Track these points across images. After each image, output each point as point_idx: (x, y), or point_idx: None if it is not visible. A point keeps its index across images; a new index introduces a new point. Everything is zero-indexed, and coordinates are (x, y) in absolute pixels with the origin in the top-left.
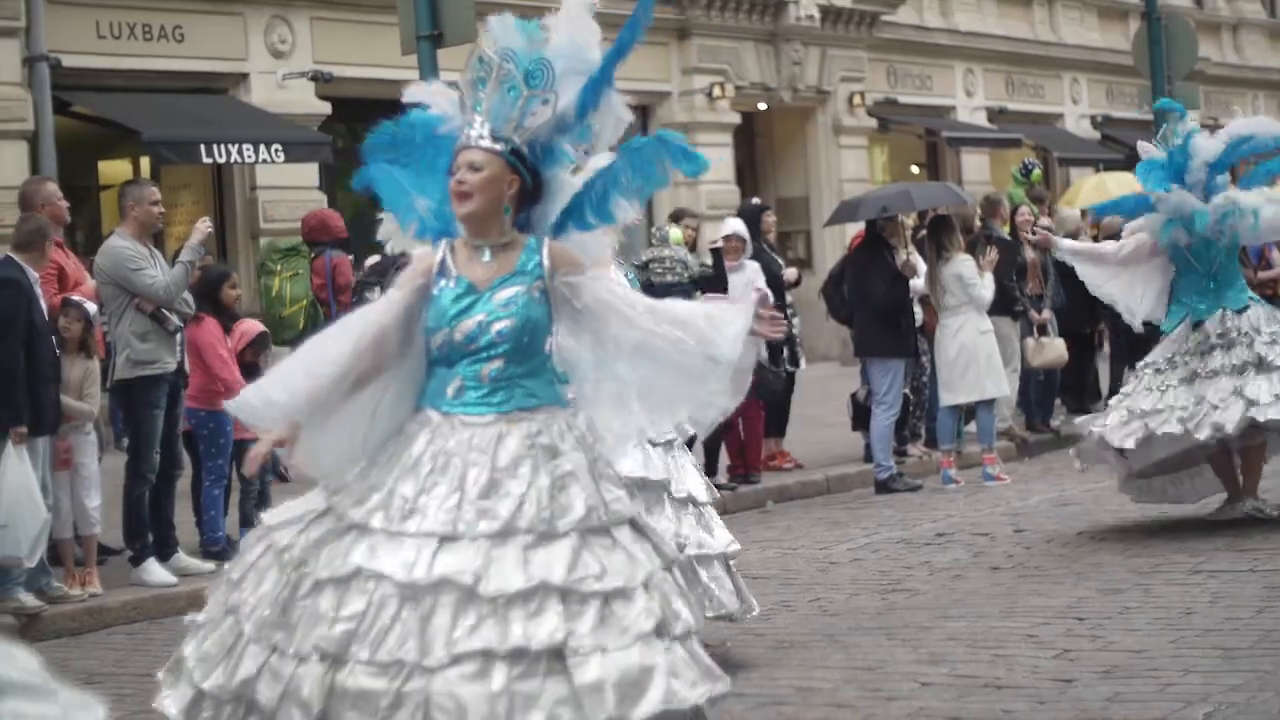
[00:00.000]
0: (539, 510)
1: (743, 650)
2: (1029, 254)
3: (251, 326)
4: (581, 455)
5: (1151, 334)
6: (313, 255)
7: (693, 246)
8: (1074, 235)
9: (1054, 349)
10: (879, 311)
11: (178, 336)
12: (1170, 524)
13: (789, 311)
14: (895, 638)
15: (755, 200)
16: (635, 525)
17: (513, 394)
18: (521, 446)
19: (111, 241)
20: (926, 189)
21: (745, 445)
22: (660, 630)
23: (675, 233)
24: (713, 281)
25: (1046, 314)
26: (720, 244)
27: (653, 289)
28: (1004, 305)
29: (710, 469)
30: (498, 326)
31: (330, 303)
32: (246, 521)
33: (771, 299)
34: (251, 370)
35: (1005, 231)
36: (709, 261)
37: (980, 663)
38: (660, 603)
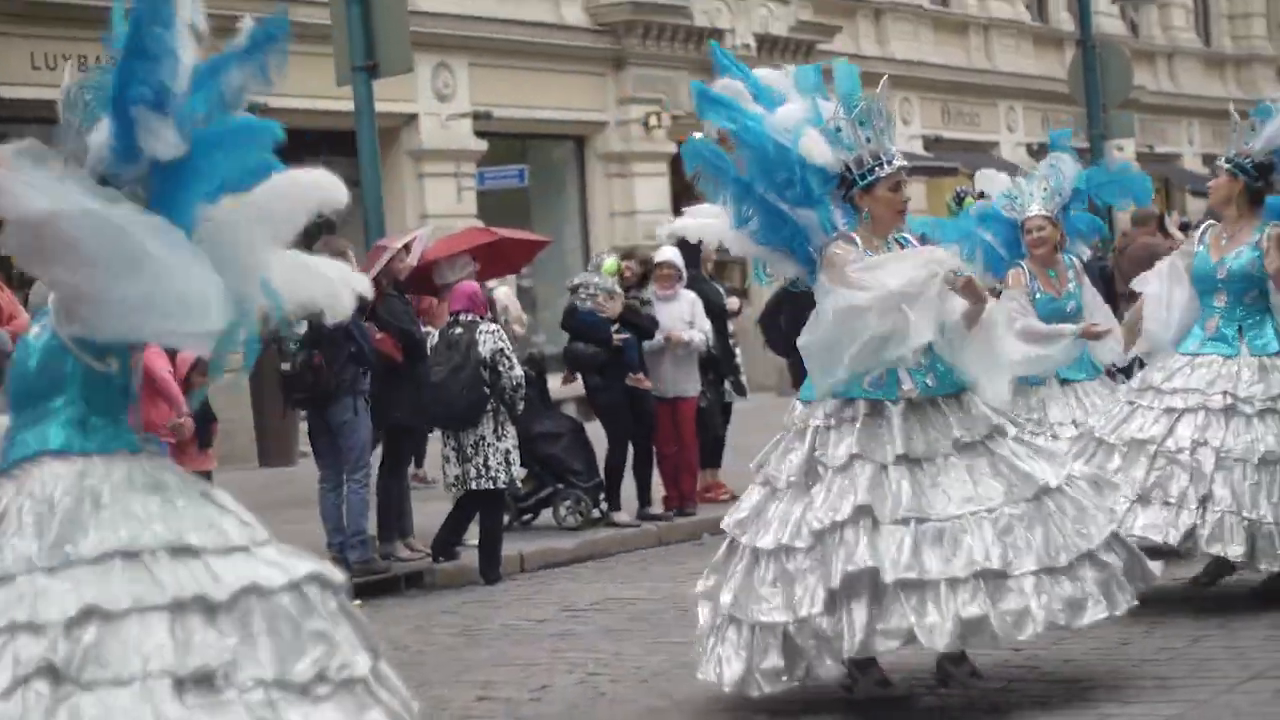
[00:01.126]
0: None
1: (679, 684)
2: None
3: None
4: None
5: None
6: None
7: (634, 285)
8: None
9: None
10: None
11: None
12: None
13: (731, 341)
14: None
15: None
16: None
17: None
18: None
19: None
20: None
21: (680, 477)
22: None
23: (610, 263)
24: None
25: None
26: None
27: (576, 314)
28: None
29: (644, 500)
30: None
31: None
32: None
33: (701, 338)
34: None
35: None
36: (645, 295)
37: (919, 690)
38: None
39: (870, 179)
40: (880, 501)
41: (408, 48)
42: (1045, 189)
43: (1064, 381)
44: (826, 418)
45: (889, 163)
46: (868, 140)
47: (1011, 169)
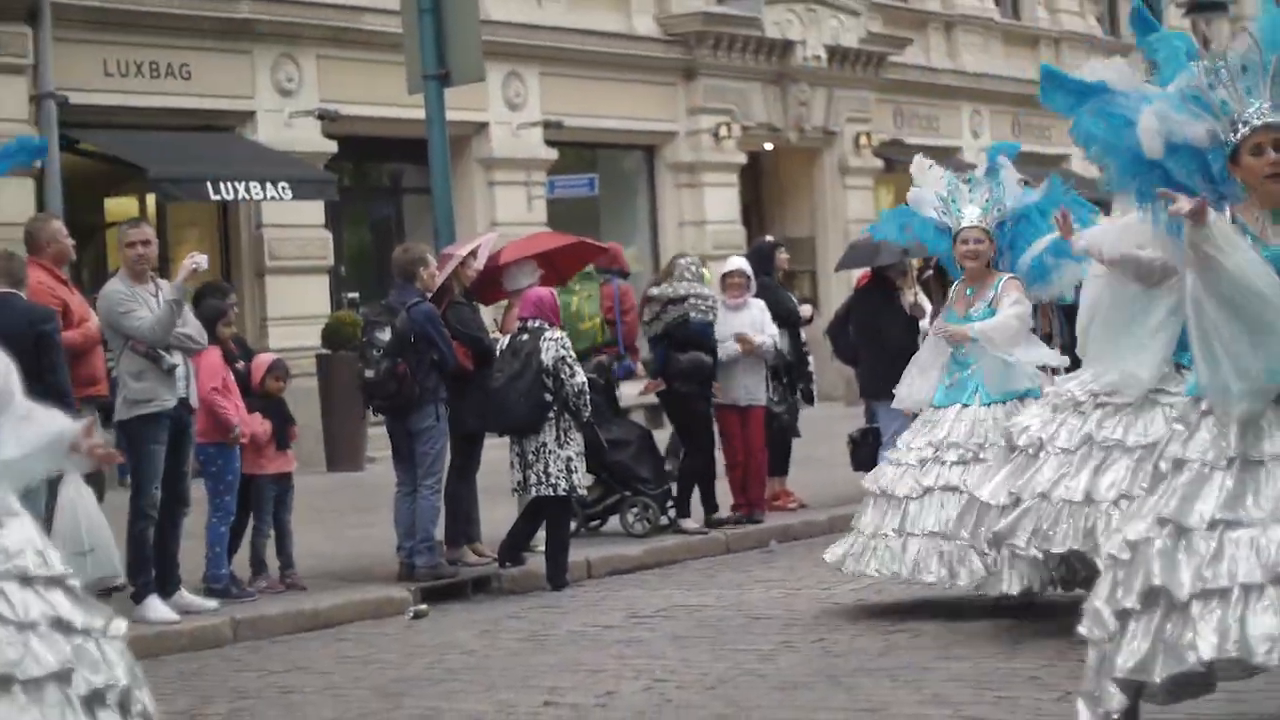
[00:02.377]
0: None
1: (745, 691)
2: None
3: (266, 357)
4: None
5: None
6: (602, 281)
7: None
8: None
9: None
10: (890, 353)
11: (177, 373)
12: None
13: (804, 349)
14: (898, 679)
15: (769, 238)
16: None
17: None
18: None
19: (107, 285)
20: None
21: (748, 484)
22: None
23: (708, 274)
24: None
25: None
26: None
27: (688, 324)
28: None
29: (711, 507)
30: None
31: (617, 323)
32: (256, 559)
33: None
34: (273, 400)
35: None
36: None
37: (984, 704)
38: None
39: (1230, 148)
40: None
41: (479, 56)
42: (987, 198)
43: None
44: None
45: (1245, 124)
46: (1223, 105)
47: (1082, 182)
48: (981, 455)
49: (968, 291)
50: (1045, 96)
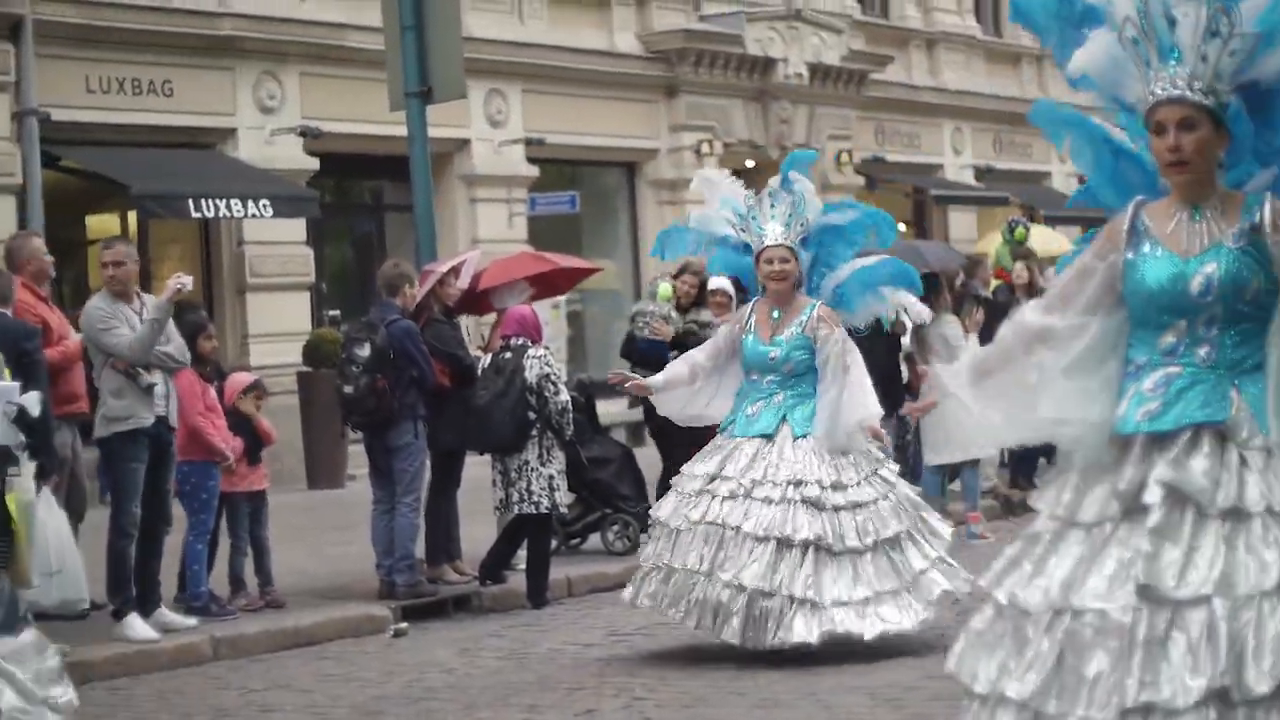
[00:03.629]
0: None
1: (724, 709)
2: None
3: (242, 378)
4: None
5: None
6: None
7: (695, 301)
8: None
9: None
10: (874, 370)
11: (156, 391)
12: None
13: None
14: (878, 697)
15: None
16: None
17: None
18: None
19: (90, 302)
20: (934, 248)
21: None
22: None
23: (664, 289)
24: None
25: None
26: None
27: (634, 342)
28: None
29: None
30: None
31: None
32: (235, 577)
33: None
34: (244, 418)
35: (987, 291)
36: (704, 318)
37: None
38: None
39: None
40: None
41: (461, 74)
42: (788, 216)
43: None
44: None
45: (1151, 93)
46: (1145, 61)
47: (1063, 200)
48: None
49: (774, 314)
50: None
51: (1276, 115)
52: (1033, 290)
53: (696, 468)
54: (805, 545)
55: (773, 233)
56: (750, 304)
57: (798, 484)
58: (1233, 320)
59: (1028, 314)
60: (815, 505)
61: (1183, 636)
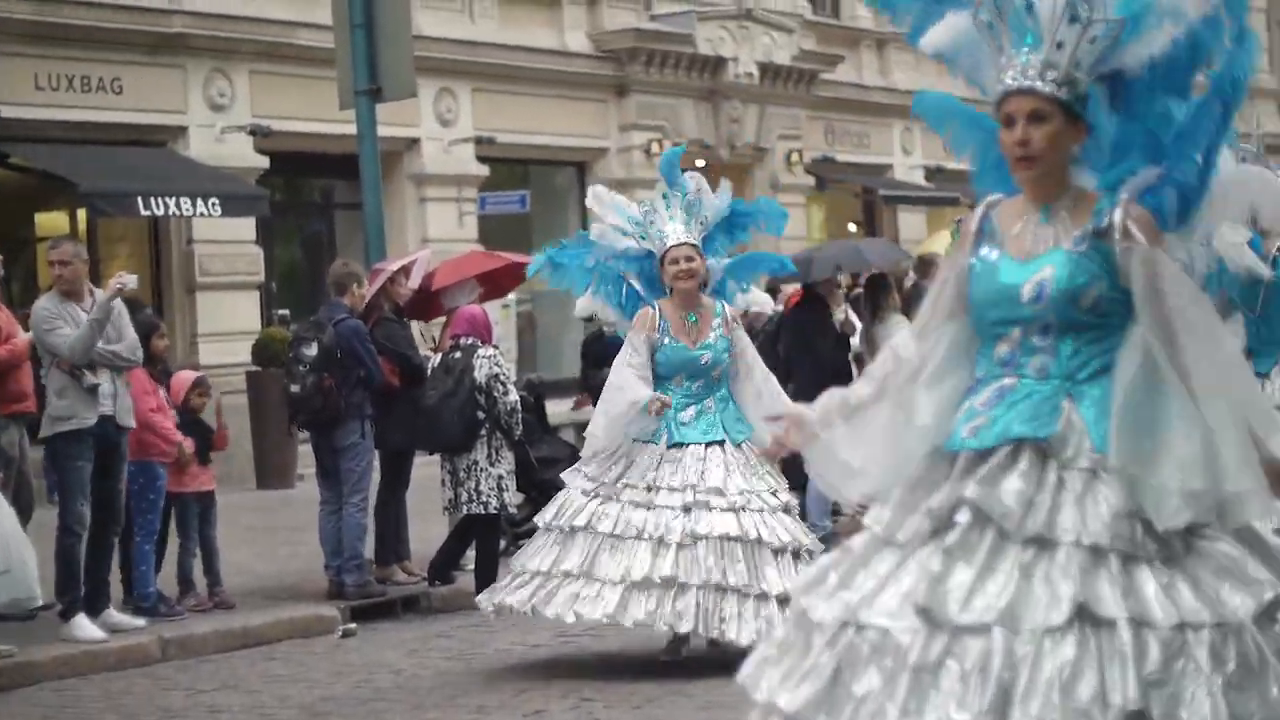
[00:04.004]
0: None
1: (672, 710)
2: None
3: (187, 375)
4: None
5: None
6: None
7: None
8: None
9: None
10: (824, 370)
11: (103, 390)
12: None
13: None
14: None
15: None
16: None
17: None
18: None
19: (38, 301)
20: (876, 246)
21: None
22: None
23: None
24: None
25: None
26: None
27: (602, 340)
28: None
29: None
30: None
31: None
32: (184, 578)
33: None
34: (194, 418)
35: None
36: None
37: None
38: None
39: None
40: None
41: (411, 73)
42: (686, 215)
43: (712, 444)
44: None
45: (1000, 81)
46: (1000, 48)
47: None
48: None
49: (689, 318)
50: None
51: (1141, 108)
52: None
53: (634, 476)
54: (758, 543)
55: (674, 232)
56: (651, 309)
57: (752, 491)
58: (1069, 329)
59: (900, 345)
60: (771, 510)
61: (956, 665)
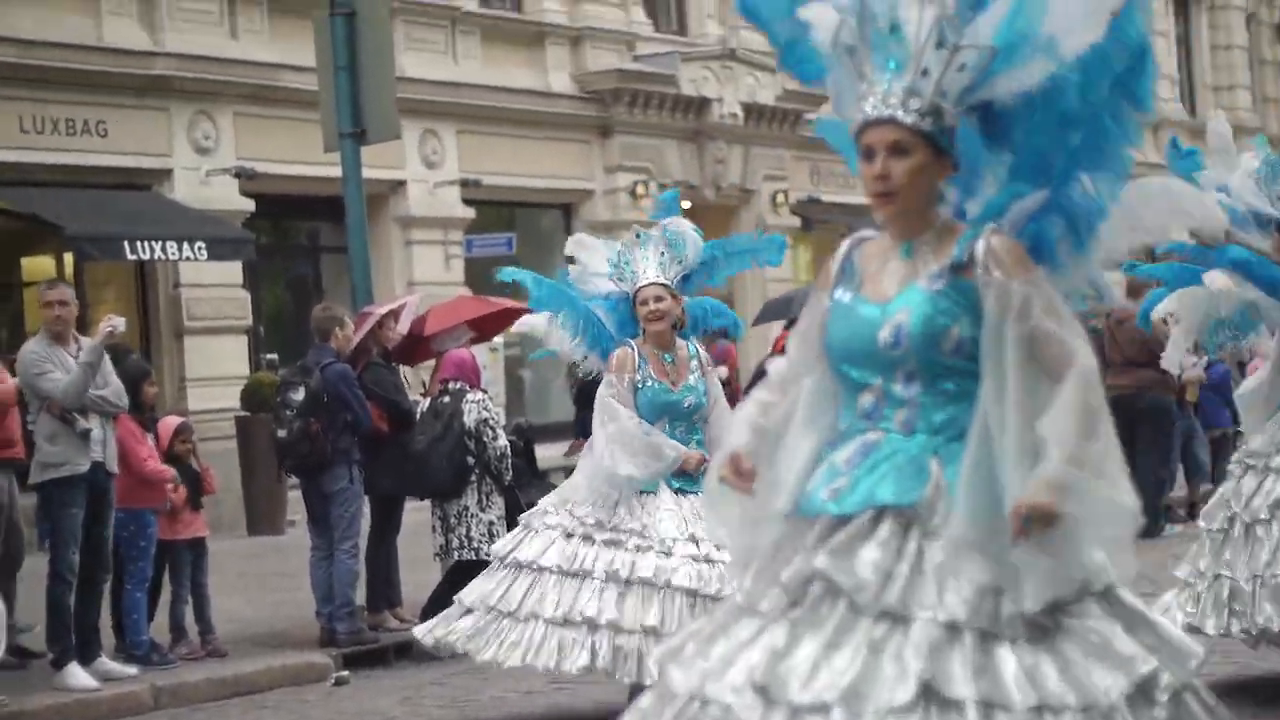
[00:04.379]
0: None
1: None
2: None
3: (172, 420)
4: None
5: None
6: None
7: None
8: None
9: None
10: None
11: (93, 437)
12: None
13: None
14: None
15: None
16: None
17: None
18: None
19: (25, 345)
20: None
21: None
22: None
23: None
24: None
25: None
26: None
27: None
28: None
29: None
30: None
31: None
32: (176, 626)
33: None
34: (181, 462)
35: None
36: None
37: None
38: None
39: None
40: None
41: (395, 115)
42: (662, 255)
43: (678, 491)
44: None
45: (860, 109)
46: (861, 75)
47: None
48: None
49: (665, 358)
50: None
51: (1018, 140)
52: None
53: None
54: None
55: (645, 273)
56: (626, 349)
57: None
58: (935, 376)
59: (759, 391)
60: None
61: None
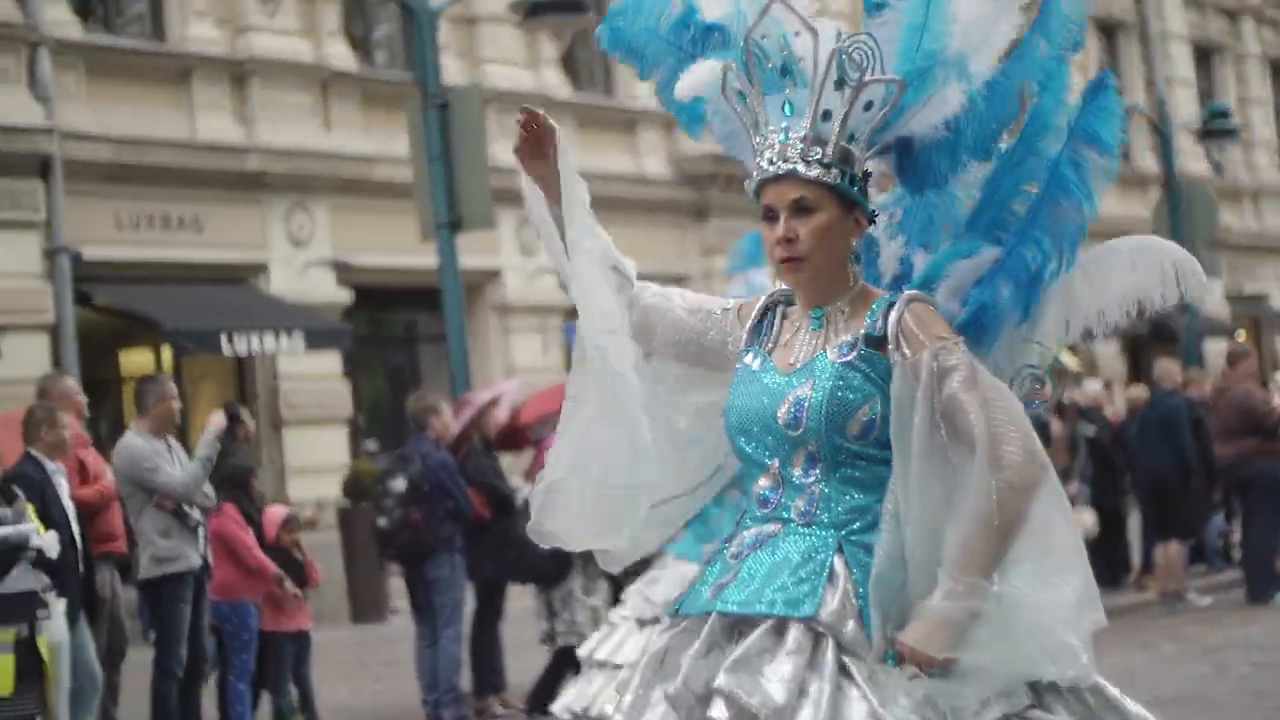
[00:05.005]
0: None
1: None
2: (1055, 426)
3: (278, 511)
4: None
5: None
6: None
7: None
8: (1095, 407)
9: (1084, 521)
10: None
11: (200, 531)
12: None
13: None
14: None
15: None
16: None
17: None
18: None
19: (126, 440)
20: None
21: None
22: None
23: None
24: None
25: (1075, 486)
26: None
27: None
28: None
29: None
30: None
31: None
32: (280, 717)
33: None
34: (288, 555)
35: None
36: None
37: None
38: None
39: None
40: None
41: (490, 203)
42: None
43: None
44: None
45: (757, 163)
46: (755, 124)
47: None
48: None
49: None
50: None
51: (937, 174)
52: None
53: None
54: None
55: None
56: None
57: None
58: (839, 462)
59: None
60: None
61: None
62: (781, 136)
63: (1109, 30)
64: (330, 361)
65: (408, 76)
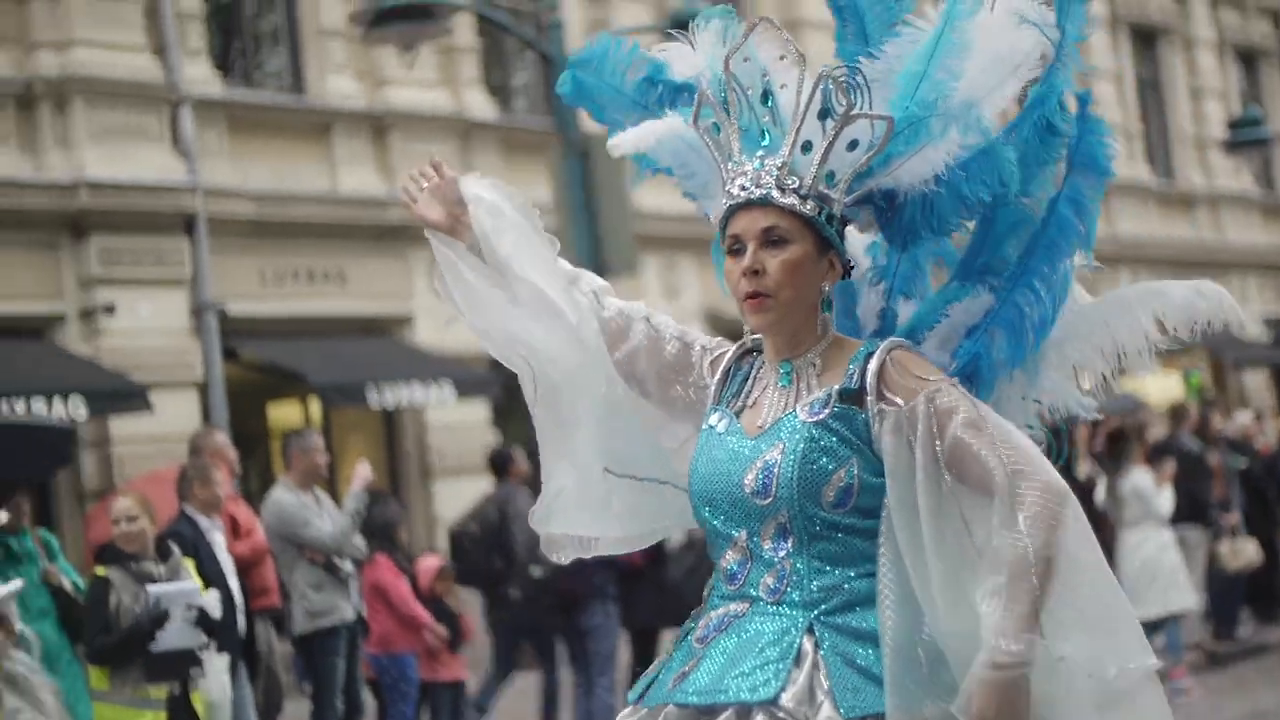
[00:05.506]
0: None
1: None
2: (1213, 458)
3: (431, 561)
4: None
5: None
6: None
7: None
8: (1245, 439)
9: (1249, 551)
10: None
11: (351, 583)
12: None
13: None
14: None
15: None
16: None
17: None
18: None
19: (275, 495)
20: (1119, 399)
21: None
22: None
23: None
24: None
25: (1236, 516)
26: None
27: None
28: (1193, 513)
29: None
30: None
31: None
32: None
33: None
34: (441, 606)
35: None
36: None
37: None
38: None
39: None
40: None
41: (633, 248)
42: None
43: None
44: None
45: (726, 192)
46: (728, 156)
47: (1244, 345)
48: None
49: None
50: None
51: (917, 232)
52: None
53: None
54: None
55: None
56: None
57: None
58: (813, 534)
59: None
60: None
61: None
62: (756, 164)
63: (1249, 58)
64: (478, 411)
65: (548, 123)
